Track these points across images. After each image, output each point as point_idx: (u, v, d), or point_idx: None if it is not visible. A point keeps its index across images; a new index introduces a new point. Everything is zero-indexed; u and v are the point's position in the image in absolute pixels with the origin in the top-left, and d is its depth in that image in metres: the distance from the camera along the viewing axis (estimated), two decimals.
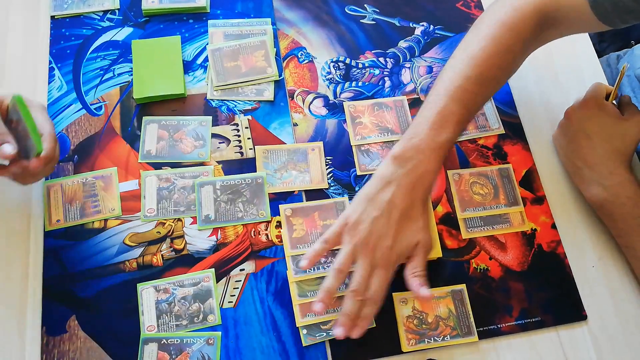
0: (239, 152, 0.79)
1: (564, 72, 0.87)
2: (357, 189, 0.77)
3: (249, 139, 0.80)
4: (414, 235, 0.65)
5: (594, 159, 0.72)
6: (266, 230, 0.74)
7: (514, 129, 0.83)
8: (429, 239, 0.66)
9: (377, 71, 0.86)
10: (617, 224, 0.72)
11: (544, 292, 0.73)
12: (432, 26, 0.91)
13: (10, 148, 0.62)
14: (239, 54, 0.85)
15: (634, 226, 0.71)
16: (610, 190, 0.71)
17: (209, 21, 0.87)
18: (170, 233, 0.73)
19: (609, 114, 0.73)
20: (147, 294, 0.70)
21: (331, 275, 0.65)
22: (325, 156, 0.79)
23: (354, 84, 0.85)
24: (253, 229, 0.74)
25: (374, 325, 0.69)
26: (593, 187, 0.73)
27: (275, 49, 0.86)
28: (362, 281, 0.63)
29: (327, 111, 0.83)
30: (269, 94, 0.83)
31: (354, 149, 0.80)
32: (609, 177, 0.71)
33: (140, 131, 0.79)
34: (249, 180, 0.77)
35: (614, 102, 0.76)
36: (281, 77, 0.84)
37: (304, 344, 0.68)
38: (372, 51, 0.88)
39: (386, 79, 0.86)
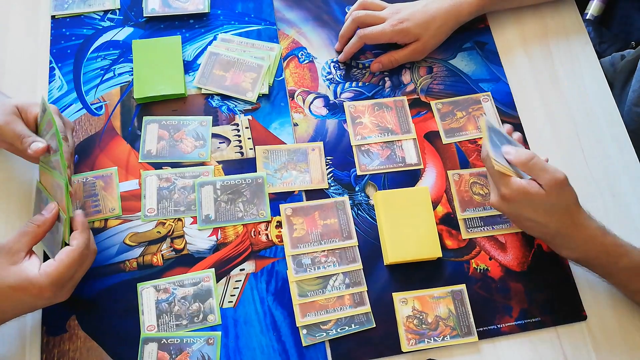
0: (239, 152, 0.79)
1: (564, 73, 0.87)
2: (357, 189, 0.77)
3: (249, 139, 0.80)
4: None
5: (548, 233, 0.69)
6: (266, 230, 0.74)
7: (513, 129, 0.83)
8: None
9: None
10: (599, 271, 0.71)
11: (543, 292, 0.73)
12: None
13: (40, 144, 0.67)
14: (232, 67, 0.84)
15: (616, 272, 0.69)
16: (578, 250, 0.69)
17: (218, 35, 0.86)
18: (170, 233, 0.73)
19: (535, 195, 0.66)
20: (147, 294, 0.70)
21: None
22: (325, 156, 0.79)
23: (354, 84, 0.85)
24: (253, 229, 0.74)
25: (374, 326, 0.69)
26: (562, 251, 0.70)
27: (273, 75, 0.84)
28: None
29: (328, 111, 0.83)
30: (251, 95, 0.82)
31: (354, 149, 0.80)
32: (572, 242, 0.68)
33: (141, 131, 0.79)
34: (249, 180, 0.77)
35: (496, 161, 0.68)
36: (282, 78, 0.84)
37: (304, 344, 0.68)
38: (373, 51, 0.88)
39: (386, 79, 0.86)
